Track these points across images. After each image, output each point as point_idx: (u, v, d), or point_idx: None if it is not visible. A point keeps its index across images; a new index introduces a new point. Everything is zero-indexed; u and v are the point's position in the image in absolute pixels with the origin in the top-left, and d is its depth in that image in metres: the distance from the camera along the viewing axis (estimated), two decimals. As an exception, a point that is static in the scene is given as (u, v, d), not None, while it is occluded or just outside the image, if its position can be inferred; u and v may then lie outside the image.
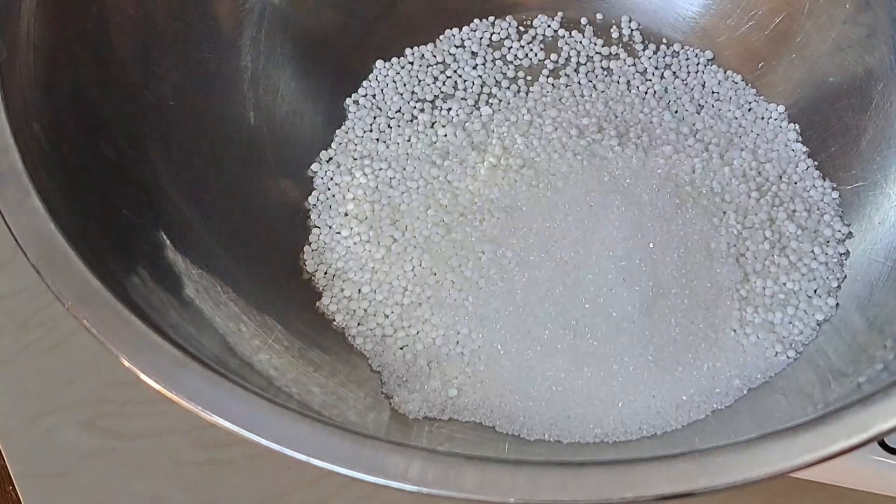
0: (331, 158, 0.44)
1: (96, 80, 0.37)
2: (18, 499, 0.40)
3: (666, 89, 0.45)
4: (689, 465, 0.26)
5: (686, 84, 0.45)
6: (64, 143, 0.34)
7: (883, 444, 0.35)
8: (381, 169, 0.43)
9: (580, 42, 0.47)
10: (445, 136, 0.44)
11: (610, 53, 0.47)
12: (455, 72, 0.46)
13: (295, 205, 0.42)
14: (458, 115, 0.45)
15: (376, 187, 0.43)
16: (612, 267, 0.39)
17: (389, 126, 0.45)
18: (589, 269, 0.39)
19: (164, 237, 0.36)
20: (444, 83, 0.46)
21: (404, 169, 0.43)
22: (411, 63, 0.46)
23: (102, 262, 0.30)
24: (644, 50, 0.46)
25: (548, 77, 0.46)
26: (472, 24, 0.47)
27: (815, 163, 0.43)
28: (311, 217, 0.42)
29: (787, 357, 0.38)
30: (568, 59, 0.46)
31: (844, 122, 0.42)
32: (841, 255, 0.40)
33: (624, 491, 0.25)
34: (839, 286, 0.39)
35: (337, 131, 0.44)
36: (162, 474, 0.40)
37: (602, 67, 0.46)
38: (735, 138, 0.43)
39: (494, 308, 0.39)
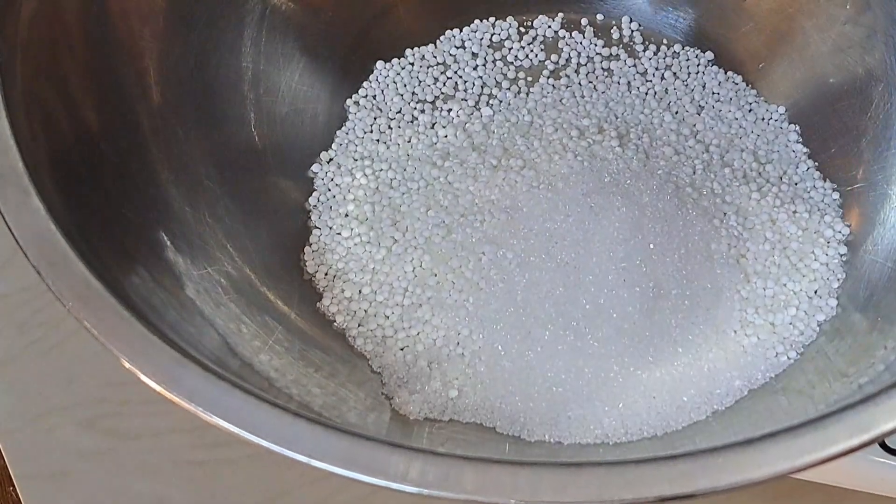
0: (331, 159, 0.44)
1: (97, 80, 0.37)
2: (18, 499, 0.41)
3: (666, 90, 0.45)
4: (689, 465, 0.26)
5: (686, 85, 0.45)
6: (64, 143, 0.34)
7: (883, 446, 0.35)
8: (381, 170, 0.43)
9: (581, 43, 0.47)
10: (446, 137, 0.44)
11: (610, 54, 0.47)
12: (455, 73, 0.46)
13: (295, 205, 0.42)
14: (458, 116, 0.45)
15: (377, 188, 0.43)
16: (613, 268, 0.39)
17: (390, 127, 0.45)
18: (589, 270, 0.39)
19: (164, 237, 0.36)
20: (444, 84, 0.46)
21: (405, 170, 0.43)
22: (412, 64, 0.46)
23: (102, 262, 0.30)
24: (644, 51, 0.46)
25: (548, 78, 0.46)
26: (472, 25, 0.47)
27: (816, 164, 0.43)
28: (312, 218, 0.42)
29: (788, 358, 0.38)
30: (568, 59, 0.46)
31: (844, 122, 0.42)
32: (841, 255, 0.40)
33: (624, 492, 0.25)
34: (840, 287, 0.39)
35: (337, 132, 0.44)
36: (162, 474, 0.40)
37: (602, 68, 0.46)
38: (736, 139, 0.43)
39: (495, 309, 0.39)
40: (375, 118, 0.45)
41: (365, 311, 0.40)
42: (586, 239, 0.40)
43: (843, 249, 0.40)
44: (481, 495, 0.25)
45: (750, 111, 0.44)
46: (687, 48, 0.46)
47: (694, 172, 0.42)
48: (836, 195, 0.41)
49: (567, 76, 0.46)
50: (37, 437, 0.41)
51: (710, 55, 0.46)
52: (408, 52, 0.46)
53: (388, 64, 0.46)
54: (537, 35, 0.47)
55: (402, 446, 0.26)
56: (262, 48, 0.43)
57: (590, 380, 0.37)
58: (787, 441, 0.26)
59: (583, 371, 0.37)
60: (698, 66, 0.46)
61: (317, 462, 0.26)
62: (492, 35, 0.47)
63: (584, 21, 0.47)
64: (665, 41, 0.47)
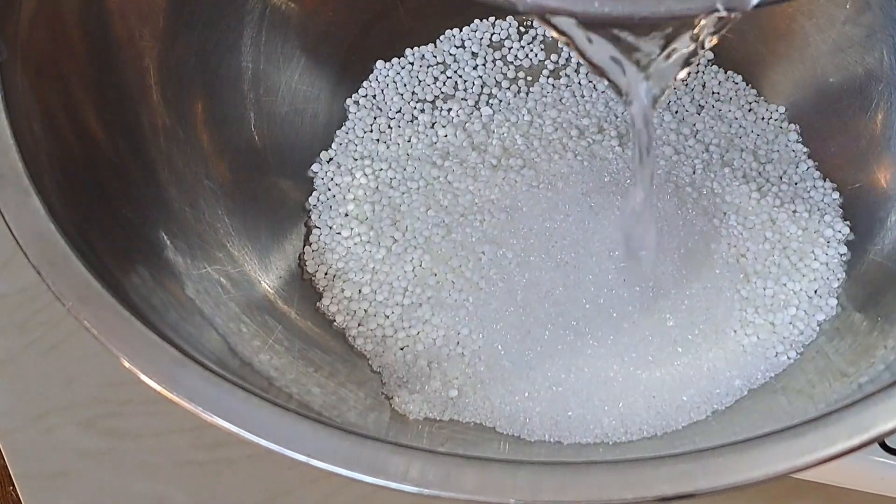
0: (331, 159, 0.44)
1: (96, 80, 0.37)
2: (18, 499, 0.41)
3: (666, 90, 0.45)
4: (689, 465, 0.26)
5: (686, 84, 0.45)
6: (64, 144, 0.34)
7: (883, 445, 0.35)
8: (381, 169, 0.43)
9: (580, 42, 0.47)
10: (446, 136, 0.44)
11: (610, 54, 0.46)
12: (455, 72, 0.46)
13: (295, 205, 0.42)
14: (458, 115, 0.45)
15: (377, 188, 0.43)
16: (613, 267, 0.39)
17: (390, 126, 0.45)
18: (589, 269, 0.39)
19: (164, 237, 0.36)
20: (444, 83, 0.46)
21: (405, 169, 0.43)
22: (412, 63, 0.46)
23: (102, 262, 0.30)
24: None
25: (548, 77, 0.46)
26: (472, 25, 0.47)
27: (816, 163, 0.43)
28: (312, 217, 0.42)
29: (788, 358, 0.38)
30: (568, 59, 0.46)
31: (844, 122, 0.42)
32: (841, 255, 0.40)
33: (624, 491, 0.25)
34: (840, 286, 0.39)
35: (337, 132, 0.44)
36: (162, 474, 0.40)
37: (602, 68, 0.46)
38: (735, 139, 0.43)
39: (495, 308, 0.39)
40: (375, 118, 0.45)
41: (365, 310, 0.40)
42: (586, 238, 0.40)
43: (843, 249, 0.40)
44: (481, 495, 0.25)
45: (750, 111, 0.44)
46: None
47: (694, 172, 0.42)
48: (836, 195, 0.41)
49: (567, 76, 0.46)
50: (37, 437, 0.41)
51: (709, 55, 0.46)
52: (408, 51, 0.46)
53: (387, 64, 0.46)
54: (537, 35, 0.47)
55: (403, 446, 0.26)
56: (262, 48, 0.43)
57: (589, 379, 0.37)
58: (787, 441, 0.26)
59: (582, 370, 0.37)
60: (698, 65, 0.46)
61: (317, 462, 0.26)
62: (491, 35, 0.47)
63: (583, 21, 0.47)
64: (665, 41, 0.46)
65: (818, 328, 0.38)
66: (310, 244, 0.42)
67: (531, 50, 0.47)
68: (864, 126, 0.41)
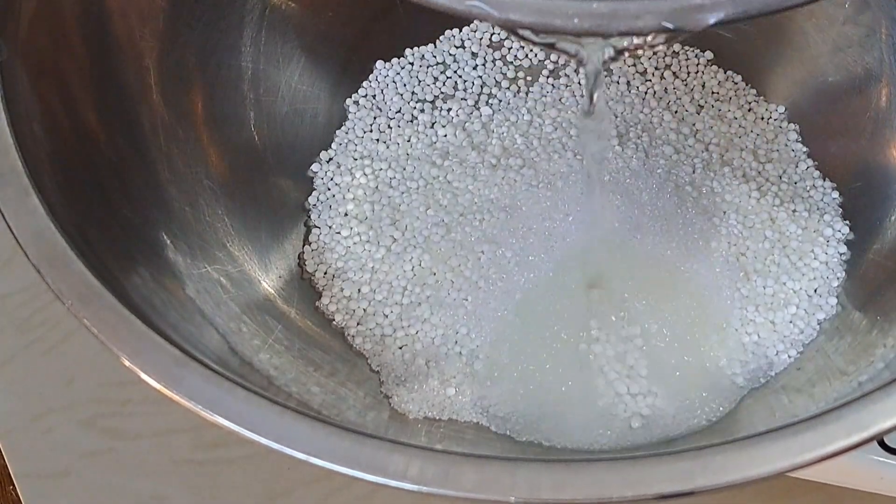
0: (331, 159, 0.44)
1: (96, 80, 0.37)
2: (18, 499, 0.41)
3: (666, 89, 0.45)
4: (689, 463, 0.26)
5: (686, 84, 0.45)
6: (64, 144, 0.34)
7: (882, 444, 0.35)
8: (381, 169, 0.43)
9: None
10: (445, 136, 0.44)
11: (610, 54, 0.46)
12: (455, 72, 0.46)
13: (295, 205, 0.43)
14: (457, 115, 0.45)
15: (376, 187, 0.43)
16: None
17: (389, 126, 0.45)
18: (589, 269, 0.39)
19: (164, 237, 0.36)
20: (444, 84, 0.46)
21: (404, 169, 0.43)
22: (411, 63, 0.46)
23: (102, 262, 0.30)
24: (644, 51, 0.46)
25: (548, 77, 0.46)
26: (472, 25, 0.47)
27: (815, 163, 0.43)
28: (311, 217, 0.42)
29: (789, 356, 0.38)
30: (568, 59, 0.46)
31: (844, 122, 0.42)
32: (841, 254, 0.40)
33: (624, 490, 0.25)
34: (840, 286, 0.39)
35: (337, 132, 0.45)
36: (162, 474, 0.40)
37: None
38: (735, 138, 0.43)
39: (493, 308, 0.39)
40: (375, 118, 0.45)
41: (364, 309, 0.40)
42: (586, 238, 0.40)
43: (843, 248, 0.40)
44: (480, 493, 0.25)
45: (749, 110, 0.44)
46: (686, 48, 0.46)
47: (693, 171, 0.42)
48: (835, 194, 0.42)
49: (566, 76, 0.46)
50: (37, 437, 0.41)
51: (709, 55, 0.46)
52: (407, 51, 0.46)
53: (387, 64, 0.46)
54: (537, 35, 0.47)
55: (402, 444, 0.26)
56: (262, 48, 0.43)
57: (590, 379, 0.37)
58: (786, 439, 0.26)
59: (582, 371, 0.37)
60: (698, 65, 0.46)
61: (316, 460, 0.26)
62: (491, 35, 0.47)
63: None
64: (664, 41, 0.46)
65: (818, 327, 0.38)
66: (309, 244, 0.42)
67: (531, 50, 0.47)
68: (863, 126, 0.41)
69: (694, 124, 0.44)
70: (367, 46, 0.46)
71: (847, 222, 0.41)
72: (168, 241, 0.36)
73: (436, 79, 0.46)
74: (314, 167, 0.44)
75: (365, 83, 0.46)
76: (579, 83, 0.46)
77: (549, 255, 0.39)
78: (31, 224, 0.30)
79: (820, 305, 0.39)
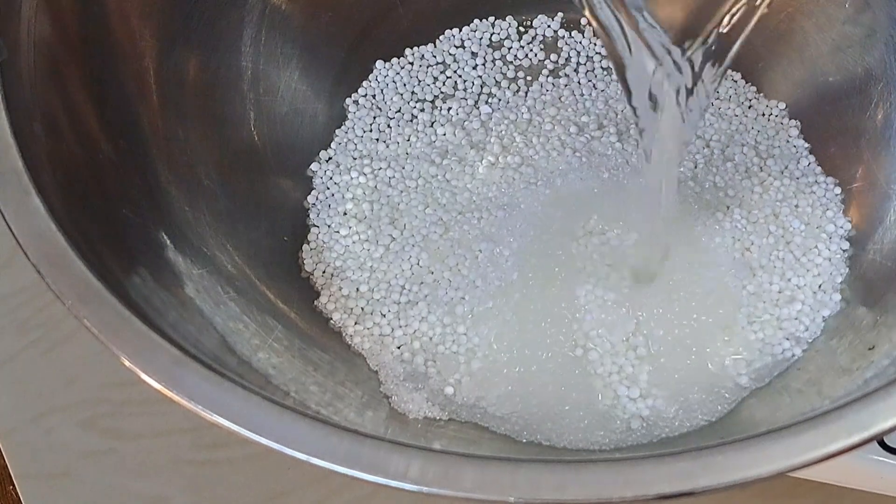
0: (330, 158, 0.44)
1: (96, 80, 0.37)
2: (18, 499, 0.40)
3: (666, 89, 0.45)
4: (689, 463, 0.26)
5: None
6: (64, 144, 0.34)
7: (882, 444, 0.35)
8: (380, 168, 0.43)
9: (580, 42, 0.47)
10: (444, 134, 0.44)
11: (610, 53, 0.46)
12: (455, 72, 0.46)
13: (294, 204, 0.43)
14: (457, 114, 0.45)
15: (375, 186, 0.43)
16: (613, 266, 0.39)
17: (389, 126, 0.45)
18: (588, 267, 0.39)
19: (165, 237, 0.36)
20: (443, 83, 0.46)
21: (403, 168, 0.43)
22: (411, 63, 0.46)
23: (102, 262, 0.30)
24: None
25: (548, 77, 0.46)
26: (472, 25, 0.47)
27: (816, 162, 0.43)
28: (311, 216, 0.42)
29: (794, 354, 0.38)
30: (568, 59, 0.46)
31: (844, 121, 0.42)
32: (844, 251, 0.40)
33: (624, 490, 0.25)
34: (843, 282, 0.39)
35: (337, 131, 0.45)
36: (162, 474, 0.40)
37: (602, 67, 0.46)
38: (736, 135, 0.43)
39: (492, 307, 0.39)
40: (375, 117, 0.45)
41: (362, 308, 0.40)
42: (585, 236, 0.40)
43: (846, 245, 0.40)
44: (480, 493, 0.25)
45: (750, 107, 0.44)
46: (686, 47, 0.46)
47: (695, 167, 0.42)
48: (837, 190, 0.41)
49: (566, 75, 0.46)
50: (37, 437, 0.41)
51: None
52: (407, 51, 0.46)
53: (387, 63, 0.46)
54: (537, 35, 0.47)
55: (402, 444, 0.26)
56: (262, 48, 0.43)
57: (590, 379, 0.37)
58: (787, 439, 0.26)
59: (582, 370, 0.37)
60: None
61: (316, 460, 0.26)
62: (491, 35, 0.47)
63: (583, 21, 0.47)
64: (664, 40, 0.46)
65: (822, 324, 0.38)
66: (308, 242, 0.42)
67: (531, 50, 0.47)
68: (863, 125, 0.41)
69: (694, 123, 0.44)
70: (367, 46, 0.46)
71: (849, 218, 0.41)
72: (168, 241, 0.36)
73: (435, 78, 0.46)
74: (313, 166, 0.44)
75: (365, 83, 0.46)
76: (579, 83, 0.46)
77: (547, 254, 0.39)
78: (31, 224, 0.30)
79: (824, 302, 0.39)
